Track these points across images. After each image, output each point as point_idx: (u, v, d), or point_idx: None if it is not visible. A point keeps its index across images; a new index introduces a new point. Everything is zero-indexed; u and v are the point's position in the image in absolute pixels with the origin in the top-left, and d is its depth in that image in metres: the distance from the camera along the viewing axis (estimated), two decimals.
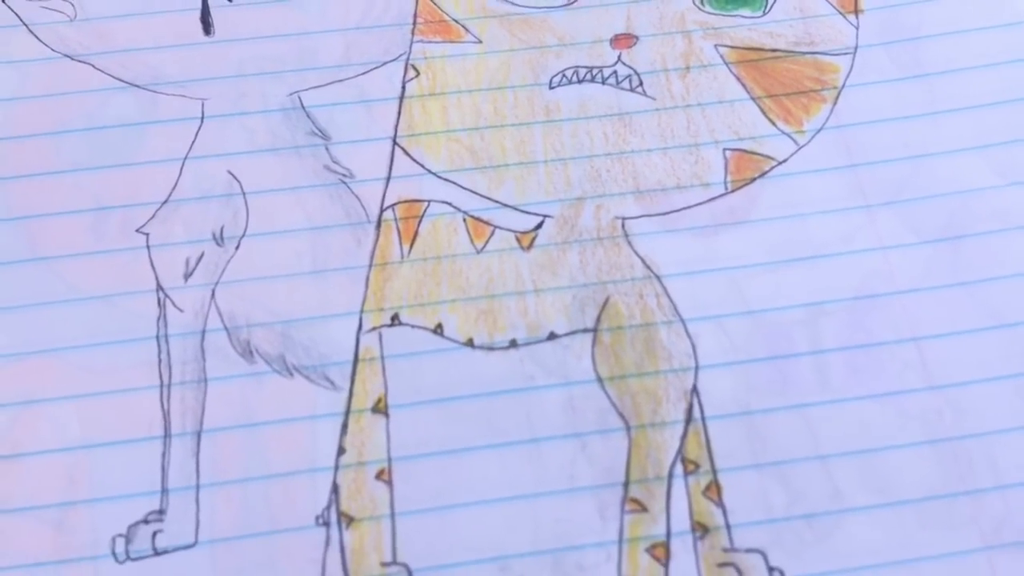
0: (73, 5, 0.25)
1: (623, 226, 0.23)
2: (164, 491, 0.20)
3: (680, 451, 0.21)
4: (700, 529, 0.20)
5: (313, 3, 0.26)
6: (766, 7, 0.26)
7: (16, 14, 0.25)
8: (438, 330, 0.22)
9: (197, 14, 0.25)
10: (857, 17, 0.26)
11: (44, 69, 0.25)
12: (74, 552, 0.19)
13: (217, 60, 0.25)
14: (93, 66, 0.25)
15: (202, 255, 0.22)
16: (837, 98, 0.25)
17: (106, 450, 0.20)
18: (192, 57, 0.25)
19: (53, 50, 0.25)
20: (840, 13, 0.26)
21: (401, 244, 0.23)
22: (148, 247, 0.22)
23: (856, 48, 0.25)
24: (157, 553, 0.19)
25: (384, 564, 0.20)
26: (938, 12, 0.26)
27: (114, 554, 0.19)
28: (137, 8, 0.25)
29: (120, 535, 0.20)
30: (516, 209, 0.23)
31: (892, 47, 0.25)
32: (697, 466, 0.21)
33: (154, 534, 0.20)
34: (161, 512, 0.20)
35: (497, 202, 0.23)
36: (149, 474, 0.20)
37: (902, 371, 0.21)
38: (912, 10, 0.26)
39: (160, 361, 0.21)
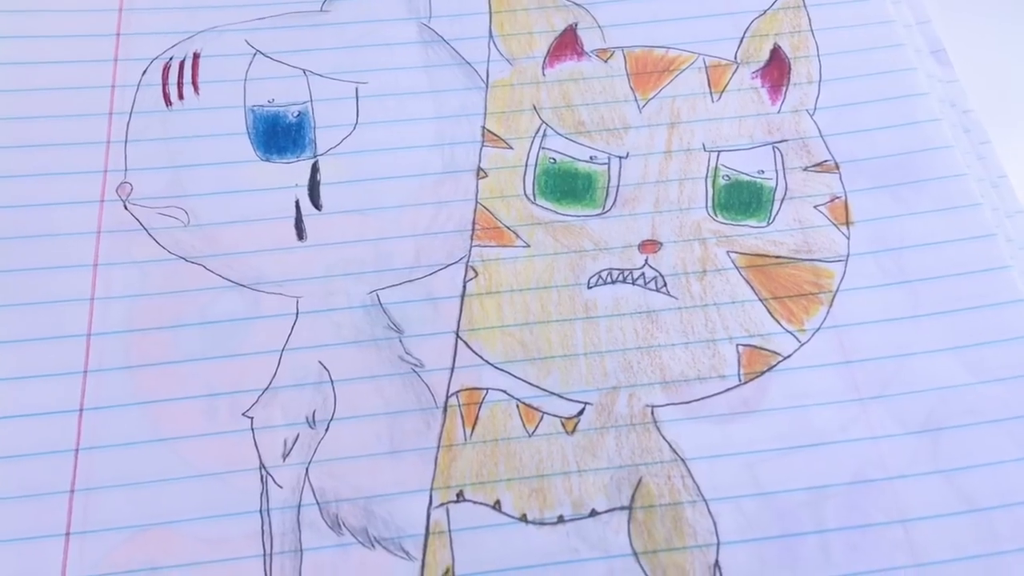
0: (186, 212, 0.30)
1: (653, 413, 0.27)
2: None
3: None
4: None
5: (389, 213, 0.30)
6: (770, 218, 0.31)
7: (137, 219, 0.30)
8: (497, 506, 0.26)
9: (292, 221, 0.30)
10: (848, 228, 0.30)
11: (162, 269, 0.29)
12: None
13: (309, 262, 0.29)
14: (204, 267, 0.29)
15: (297, 436, 0.27)
16: (832, 301, 0.29)
17: None
18: (288, 260, 0.29)
19: (170, 252, 0.29)
20: (834, 225, 0.31)
21: (464, 427, 0.27)
22: (252, 429, 0.27)
23: (848, 256, 0.30)
24: None
25: None
26: (919, 225, 0.30)
27: None
28: (241, 216, 0.30)
29: None
30: (561, 397, 0.28)
31: (879, 256, 0.30)
32: None
33: None
34: None
35: (545, 390, 0.28)
36: None
37: (891, 550, 0.25)
38: (896, 223, 0.30)
39: (263, 532, 0.25)
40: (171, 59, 0.33)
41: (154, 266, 0.29)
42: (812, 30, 0.34)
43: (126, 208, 0.30)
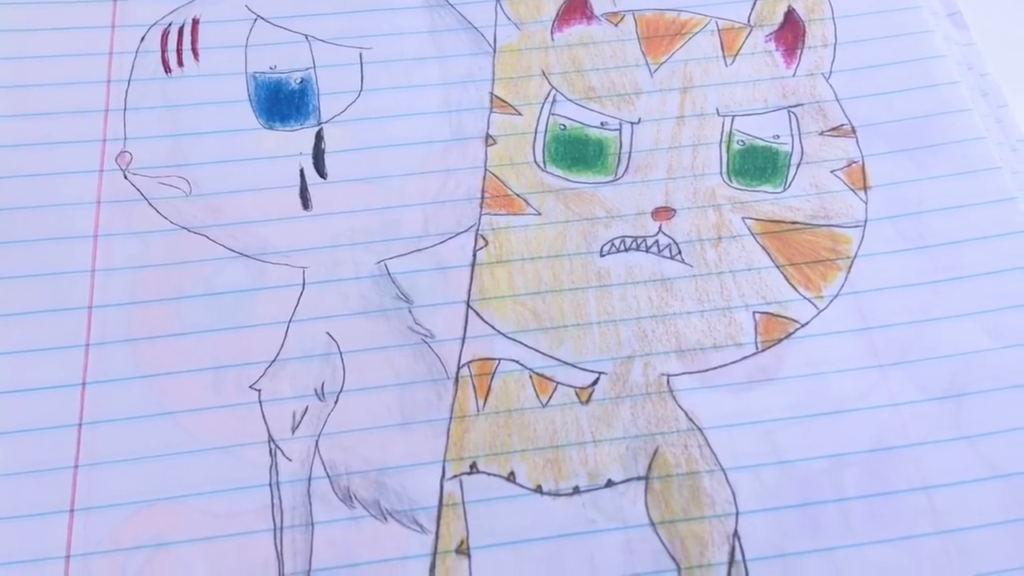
0: (188, 182, 0.29)
1: (668, 382, 0.27)
2: None
3: None
4: None
5: (396, 181, 0.30)
6: (786, 184, 0.30)
7: (138, 189, 0.29)
8: (511, 478, 0.25)
9: (297, 190, 0.29)
10: (866, 193, 0.30)
11: (164, 240, 0.28)
12: None
13: (315, 232, 0.29)
14: (207, 237, 0.28)
15: (306, 409, 0.26)
16: (850, 267, 0.29)
17: None
18: (294, 229, 0.29)
19: (172, 223, 0.29)
20: (851, 189, 0.30)
21: (477, 398, 0.26)
22: (260, 402, 0.26)
23: (866, 221, 0.29)
24: None
25: None
26: (938, 190, 0.30)
27: None
28: (245, 185, 0.29)
29: None
30: (575, 366, 0.27)
31: (898, 220, 0.29)
32: None
33: None
34: None
35: (558, 360, 0.27)
36: None
37: (914, 517, 0.25)
38: (914, 187, 0.30)
39: (272, 506, 0.25)
40: (170, 25, 0.32)
41: (156, 237, 0.28)
42: None
43: (126, 178, 0.29)
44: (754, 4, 0.33)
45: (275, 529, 0.24)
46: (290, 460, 0.25)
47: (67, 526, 0.24)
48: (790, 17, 0.33)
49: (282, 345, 0.27)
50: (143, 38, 0.32)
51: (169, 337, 0.27)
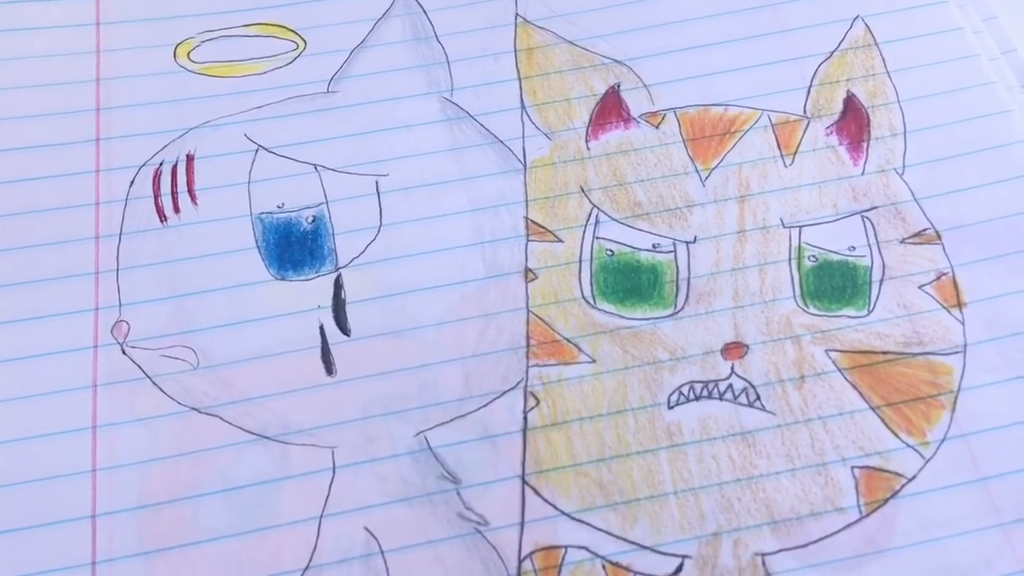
0: (195, 352, 0.26)
1: (764, 563, 0.23)
2: None
3: None
4: None
5: (429, 332, 0.26)
6: (870, 305, 0.26)
7: (139, 366, 0.26)
8: None
9: (318, 352, 0.26)
10: (961, 311, 0.26)
11: (171, 425, 0.25)
12: None
13: (342, 401, 0.25)
14: (220, 418, 0.25)
15: None
16: (955, 403, 0.25)
17: None
18: (318, 401, 0.25)
19: (179, 403, 0.25)
20: (944, 307, 0.26)
21: None
22: None
23: (965, 346, 0.26)
24: None
25: None
26: None
27: None
28: (258, 351, 0.26)
29: None
30: (653, 550, 0.23)
31: (1001, 343, 0.26)
32: None
33: None
34: None
35: (634, 543, 0.24)
36: None
37: None
38: (1016, 301, 0.26)
39: None
40: (161, 164, 0.28)
41: (162, 422, 0.25)
42: (888, 72, 0.30)
43: (124, 352, 0.26)
44: (808, 91, 0.30)
45: None
46: None
47: None
48: (851, 104, 0.29)
49: (315, 547, 0.23)
50: (132, 182, 0.28)
51: (185, 547, 0.23)
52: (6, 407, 0.25)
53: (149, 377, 0.25)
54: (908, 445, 0.24)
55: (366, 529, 0.24)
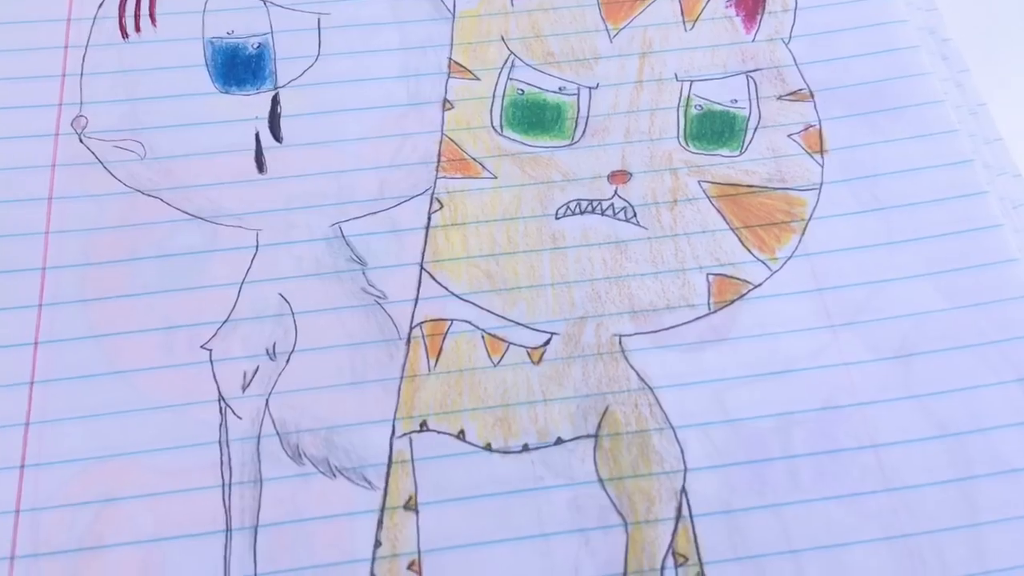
0: (143, 145, 0.29)
1: (620, 343, 0.27)
2: None
3: (671, 546, 0.24)
4: None
5: (351, 145, 0.30)
6: (743, 148, 0.30)
7: (93, 153, 0.29)
8: (461, 436, 0.25)
9: (252, 154, 0.29)
10: (823, 157, 0.30)
11: (119, 202, 0.28)
12: None
13: (269, 195, 0.29)
14: (162, 200, 0.28)
15: (257, 368, 0.26)
16: (805, 229, 0.28)
17: (176, 543, 0.24)
18: (248, 192, 0.29)
19: (126, 185, 0.29)
20: (808, 153, 0.30)
21: (428, 358, 0.26)
22: (211, 361, 0.26)
23: (822, 184, 0.29)
24: None
25: None
26: (894, 153, 0.30)
27: None
28: (200, 149, 0.29)
29: None
30: (528, 327, 0.27)
31: (853, 184, 0.29)
32: (686, 559, 0.24)
33: None
34: None
35: (511, 321, 0.27)
36: (213, 564, 0.23)
37: (862, 475, 0.25)
38: (871, 150, 0.30)
39: (222, 463, 0.25)
40: None
41: (110, 199, 0.28)
42: None
43: (81, 141, 0.29)
44: None
45: (223, 485, 0.24)
46: (240, 418, 0.25)
47: (17, 482, 0.24)
48: None
49: (234, 306, 0.27)
50: (100, 4, 0.31)
51: (122, 298, 0.27)
52: None
53: (102, 163, 0.29)
54: (759, 259, 0.28)
55: (280, 295, 0.27)
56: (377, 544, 0.24)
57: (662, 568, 0.24)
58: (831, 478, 0.25)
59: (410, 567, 0.24)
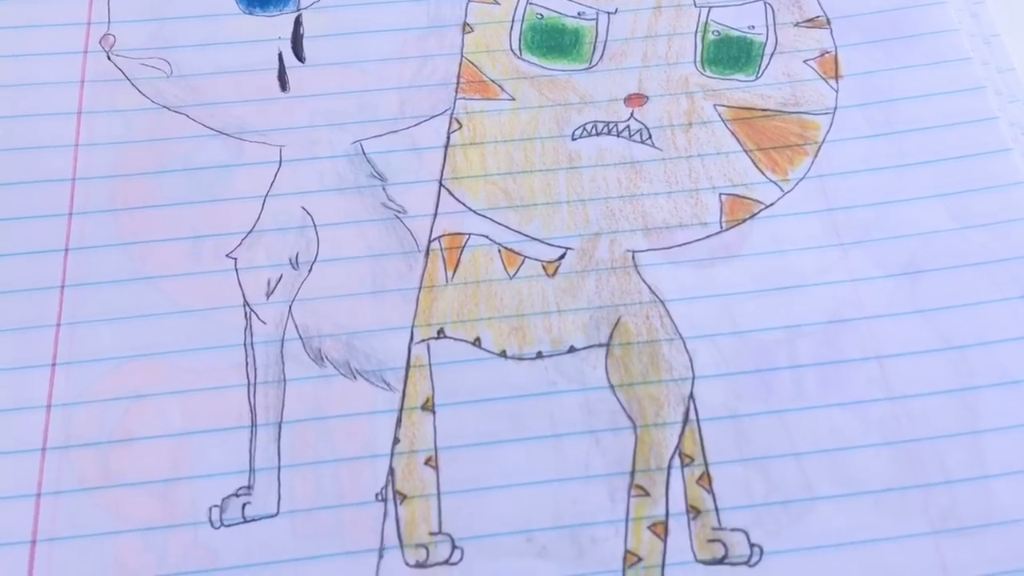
0: (169, 63, 0.30)
1: (633, 258, 0.27)
2: (251, 471, 0.24)
3: (678, 447, 0.25)
4: (693, 511, 0.24)
5: (373, 65, 0.30)
6: (759, 72, 0.30)
7: (120, 70, 0.30)
8: (476, 343, 0.26)
9: (275, 73, 0.30)
10: (837, 82, 0.30)
11: (146, 118, 0.29)
12: (178, 519, 0.24)
13: (292, 113, 0.29)
14: (187, 116, 0.29)
15: (281, 277, 0.27)
16: (818, 152, 0.29)
17: (203, 436, 0.25)
18: (271, 110, 0.29)
19: (153, 102, 0.29)
20: (823, 78, 0.30)
21: (446, 270, 0.27)
22: (236, 270, 0.27)
23: (835, 109, 0.30)
24: (246, 521, 0.24)
25: (432, 533, 0.24)
26: (908, 79, 0.30)
27: (210, 521, 0.24)
28: (224, 67, 0.30)
29: (215, 506, 0.24)
30: (543, 242, 0.28)
31: (867, 108, 0.30)
32: (692, 459, 0.25)
33: (243, 505, 0.24)
34: (249, 488, 0.24)
35: (527, 236, 0.28)
36: (239, 456, 0.24)
37: (866, 384, 0.25)
38: (885, 76, 0.30)
39: (247, 364, 0.26)
40: None
41: (137, 115, 0.29)
42: None
43: (109, 59, 0.30)
44: None
45: (249, 384, 0.25)
46: (264, 323, 0.26)
47: (49, 378, 0.25)
48: None
49: (258, 218, 0.28)
50: None
51: (149, 208, 0.28)
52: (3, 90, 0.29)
53: (129, 80, 0.30)
54: (771, 180, 0.29)
55: (303, 208, 0.28)
56: (396, 441, 0.25)
57: (668, 467, 0.24)
58: (835, 387, 0.25)
59: (427, 462, 0.25)
